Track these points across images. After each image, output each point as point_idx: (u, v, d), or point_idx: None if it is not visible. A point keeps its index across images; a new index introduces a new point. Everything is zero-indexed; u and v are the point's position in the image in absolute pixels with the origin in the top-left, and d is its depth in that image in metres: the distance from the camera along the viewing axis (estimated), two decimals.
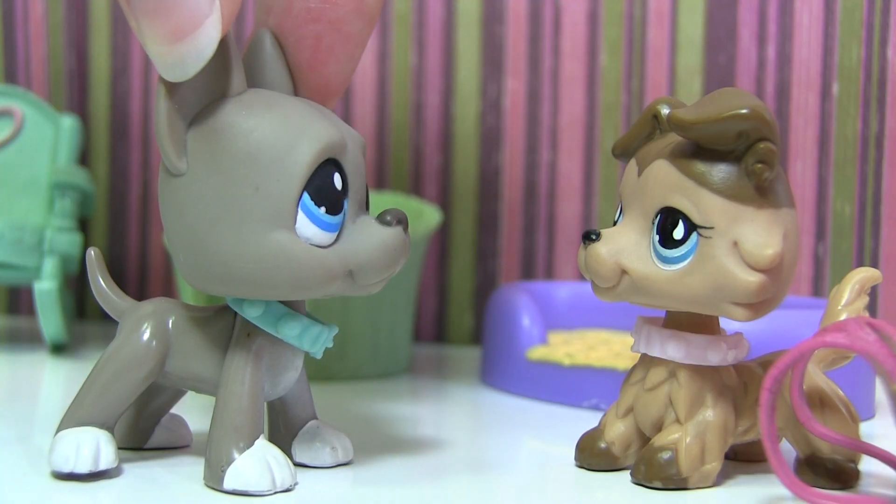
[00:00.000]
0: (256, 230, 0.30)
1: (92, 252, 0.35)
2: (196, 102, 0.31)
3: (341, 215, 0.31)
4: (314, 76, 0.34)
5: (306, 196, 0.30)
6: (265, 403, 0.33)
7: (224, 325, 0.33)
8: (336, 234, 0.31)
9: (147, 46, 0.30)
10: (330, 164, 0.31)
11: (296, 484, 0.32)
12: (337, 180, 0.31)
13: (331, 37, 0.34)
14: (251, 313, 0.32)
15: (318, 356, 0.33)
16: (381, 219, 0.32)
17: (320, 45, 0.34)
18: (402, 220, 0.32)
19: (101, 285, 0.35)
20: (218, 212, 0.30)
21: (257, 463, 0.31)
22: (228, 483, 0.31)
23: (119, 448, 0.35)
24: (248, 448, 0.31)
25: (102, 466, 0.32)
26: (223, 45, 0.30)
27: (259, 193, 0.30)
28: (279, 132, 0.30)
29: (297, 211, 0.30)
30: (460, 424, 0.44)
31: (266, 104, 0.31)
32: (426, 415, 0.45)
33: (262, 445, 0.31)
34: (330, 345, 0.34)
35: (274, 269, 0.30)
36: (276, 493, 0.31)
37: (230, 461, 0.31)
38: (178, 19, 0.29)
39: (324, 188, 0.31)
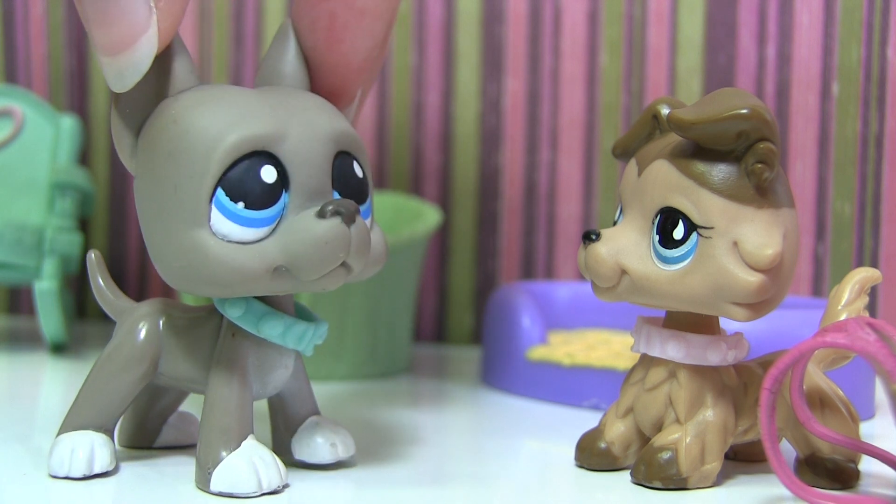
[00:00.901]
0: (178, 229, 0.30)
1: (93, 254, 0.36)
2: (142, 108, 0.31)
3: (273, 209, 0.30)
4: (331, 55, 0.34)
5: (220, 192, 0.30)
6: (260, 402, 0.33)
7: (212, 325, 0.33)
8: (266, 228, 0.30)
9: (96, 55, 0.31)
10: (258, 156, 0.30)
11: (286, 485, 0.32)
12: (266, 173, 0.30)
13: (345, 14, 0.34)
14: (232, 313, 0.32)
15: (308, 354, 0.33)
16: (320, 210, 0.30)
17: (335, 24, 0.34)
18: (341, 211, 0.30)
19: (101, 286, 0.35)
20: (154, 211, 0.31)
21: (244, 464, 0.31)
22: (215, 485, 0.31)
23: (128, 447, 0.36)
24: (235, 449, 0.31)
25: (97, 470, 0.32)
26: (167, 48, 0.31)
27: (177, 192, 0.30)
28: (199, 128, 0.30)
29: (210, 207, 0.30)
30: (460, 424, 0.44)
31: (197, 100, 0.31)
32: (426, 415, 0.45)
33: (250, 446, 0.31)
34: (319, 342, 0.33)
35: (195, 267, 0.30)
36: (263, 494, 0.31)
37: (217, 462, 0.31)
38: (117, 32, 0.30)
39: (243, 182, 0.30)
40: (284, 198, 0.30)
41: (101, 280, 0.35)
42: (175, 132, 0.30)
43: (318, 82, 0.35)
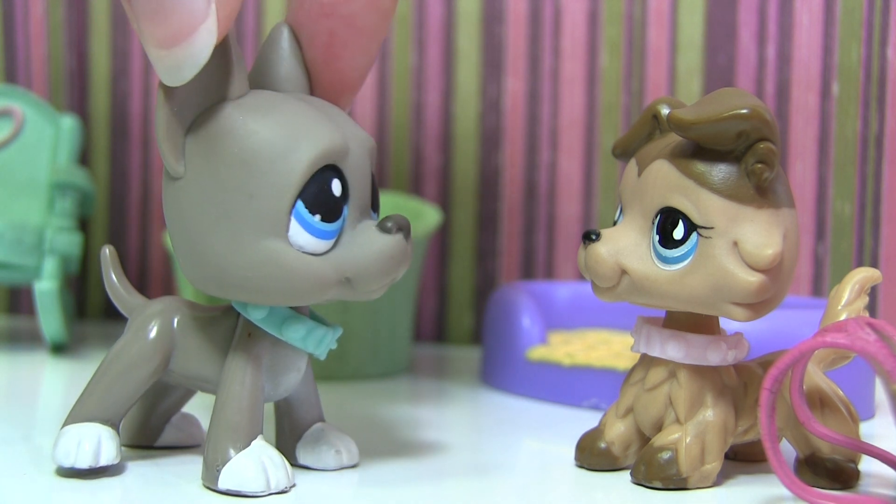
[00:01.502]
0: (249, 237, 0.30)
1: (107, 250, 0.36)
2: (195, 106, 0.31)
3: (339, 222, 0.31)
4: (328, 72, 0.34)
5: (300, 204, 0.30)
6: (266, 405, 0.33)
7: (227, 325, 0.33)
8: (332, 241, 0.31)
9: (147, 49, 0.30)
10: (328, 171, 0.30)
11: (293, 486, 0.32)
12: (336, 187, 0.31)
13: (344, 32, 0.34)
14: (255, 315, 0.32)
15: (322, 358, 0.33)
16: (382, 226, 0.31)
17: (334, 41, 0.34)
18: (402, 227, 0.31)
19: (114, 283, 0.36)
20: (213, 217, 0.30)
21: (253, 463, 0.31)
22: (223, 482, 0.31)
23: (129, 446, 0.36)
24: (244, 448, 0.31)
25: (103, 462, 0.32)
26: (222, 47, 0.30)
27: (253, 200, 0.30)
28: (274, 138, 0.30)
29: (289, 219, 0.30)
30: (460, 424, 0.44)
31: (264, 108, 0.31)
32: (426, 415, 0.45)
33: (259, 446, 0.31)
34: (334, 346, 0.33)
35: (266, 277, 0.30)
36: (270, 493, 0.31)
37: (226, 461, 0.31)
38: (174, 24, 0.29)
39: (320, 195, 0.30)
40: (345, 211, 0.31)
41: (113, 275, 0.36)
42: (248, 140, 0.30)
43: (314, 95, 0.34)
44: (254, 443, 0.31)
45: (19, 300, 0.69)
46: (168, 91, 0.30)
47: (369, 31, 0.34)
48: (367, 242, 0.31)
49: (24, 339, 0.60)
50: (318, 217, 0.30)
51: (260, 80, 0.34)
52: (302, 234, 0.30)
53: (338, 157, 0.31)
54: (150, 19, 0.29)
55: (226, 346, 0.33)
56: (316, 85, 0.34)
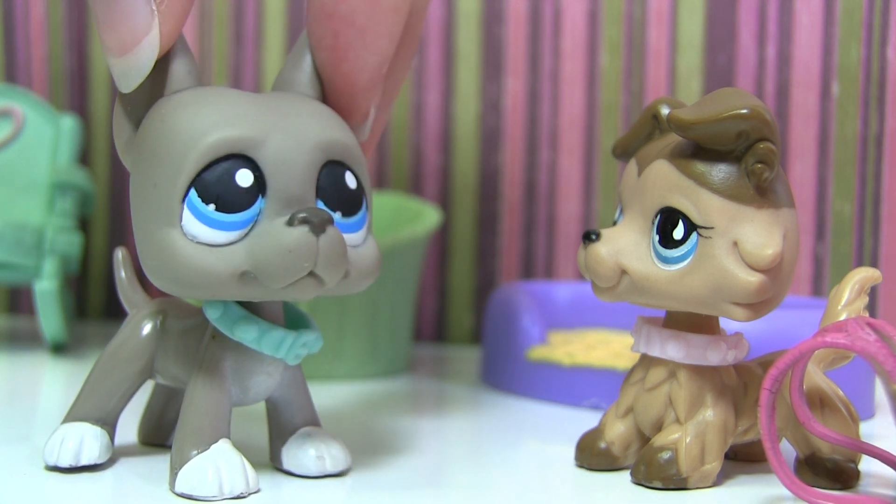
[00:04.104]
0: (153, 227, 0.30)
1: (119, 252, 0.37)
2: (142, 104, 0.31)
3: (245, 214, 0.30)
4: (337, 74, 0.34)
5: (193, 192, 0.29)
6: (254, 407, 0.33)
7: (202, 328, 0.33)
8: (237, 233, 0.30)
9: (105, 56, 0.31)
10: (236, 160, 0.30)
11: (254, 492, 0.31)
12: (242, 177, 0.30)
13: (346, 32, 0.34)
14: (211, 314, 0.32)
15: (291, 362, 0.32)
16: (289, 218, 0.29)
17: (338, 42, 0.34)
18: (310, 221, 0.29)
19: (123, 281, 0.36)
20: (135, 208, 0.31)
21: (207, 468, 0.30)
22: (179, 485, 0.30)
23: (145, 444, 0.36)
24: (204, 451, 0.31)
25: (84, 461, 0.32)
26: (169, 48, 0.31)
27: (156, 190, 0.30)
28: (181, 128, 0.30)
29: (182, 207, 0.29)
30: (460, 424, 0.44)
31: (187, 101, 0.31)
32: (426, 415, 0.45)
33: (220, 450, 0.31)
34: (306, 351, 0.32)
35: (163, 265, 0.30)
36: (224, 499, 0.30)
37: (184, 463, 0.31)
38: (122, 34, 0.30)
39: (216, 185, 0.29)
40: (260, 203, 0.30)
41: (124, 275, 0.37)
42: (160, 131, 0.30)
43: (330, 99, 0.34)
44: (214, 446, 0.31)
45: (19, 300, 0.69)
46: (120, 93, 0.32)
47: (371, 29, 0.34)
48: (268, 235, 0.29)
49: (24, 339, 0.60)
50: (211, 206, 0.29)
51: (281, 86, 0.34)
52: (194, 224, 0.29)
53: (246, 147, 0.30)
54: (104, 28, 0.31)
55: (198, 348, 0.32)
56: (328, 89, 0.34)
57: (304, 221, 0.29)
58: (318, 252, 0.29)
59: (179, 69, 0.31)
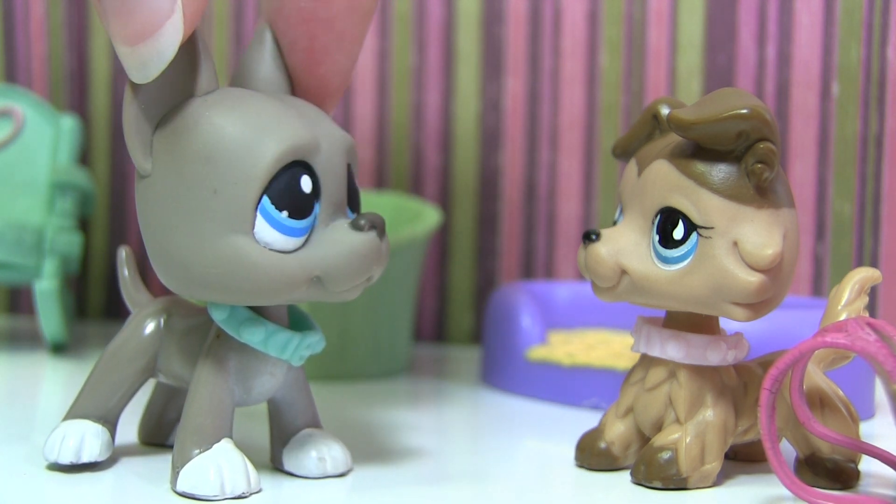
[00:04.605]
0: (214, 233, 0.29)
1: (123, 251, 0.37)
2: (162, 103, 0.30)
3: (309, 219, 0.30)
4: (311, 77, 0.34)
5: (266, 199, 0.29)
6: (256, 408, 0.33)
7: (206, 327, 0.33)
8: (302, 238, 0.30)
9: (115, 46, 0.30)
10: (297, 167, 0.30)
11: (256, 491, 0.31)
12: (305, 183, 0.30)
13: (325, 36, 0.33)
14: (217, 316, 0.32)
15: (295, 363, 0.32)
16: (355, 223, 0.30)
17: (314, 45, 0.33)
18: (376, 225, 0.31)
19: (126, 280, 0.36)
20: (178, 213, 0.30)
21: (209, 467, 0.30)
22: (180, 484, 0.30)
23: (145, 444, 0.36)
24: (207, 450, 0.31)
25: (85, 459, 0.32)
26: (190, 44, 0.30)
27: (217, 196, 0.29)
28: (239, 133, 0.30)
29: (255, 215, 0.29)
30: (460, 424, 0.44)
31: (231, 103, 0.30)
32: (426, 415, 0.45)
33: (222, 449, 0.31)
34: (309, 352, 0.33)
35: (230, 274, 0.29)
36: (226, 498, 0.30)
37: (185, 462, 0.31)
38: (139, 20, 0.29)
39: (287, 191, 0.30)
40: (316, 208, 0.30)
41: (127, 274, 0.37)
42: (210, 134, 0.30)
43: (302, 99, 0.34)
44: (216, 445, 0.31)
45: (19, 300, 0.69)
46: (136, 88, 0.30)
47: (350, 35, 0.34)
48: (338, 240, 0.30)
49: (24, 339, 0.60)
50: (285, 213, 0.30)
51: (241, 81, 0.34)
52: (268, 231, 0.30)
53: (306, 154, 0.30)
54: (116, 16, 0.29)
55: (202, 348, 0.32)
56: (299, 90, 0.34)
57: (373, 227, 0.30)
58: (382, 255, 0.31)
59: (207, 68, 0.31)
